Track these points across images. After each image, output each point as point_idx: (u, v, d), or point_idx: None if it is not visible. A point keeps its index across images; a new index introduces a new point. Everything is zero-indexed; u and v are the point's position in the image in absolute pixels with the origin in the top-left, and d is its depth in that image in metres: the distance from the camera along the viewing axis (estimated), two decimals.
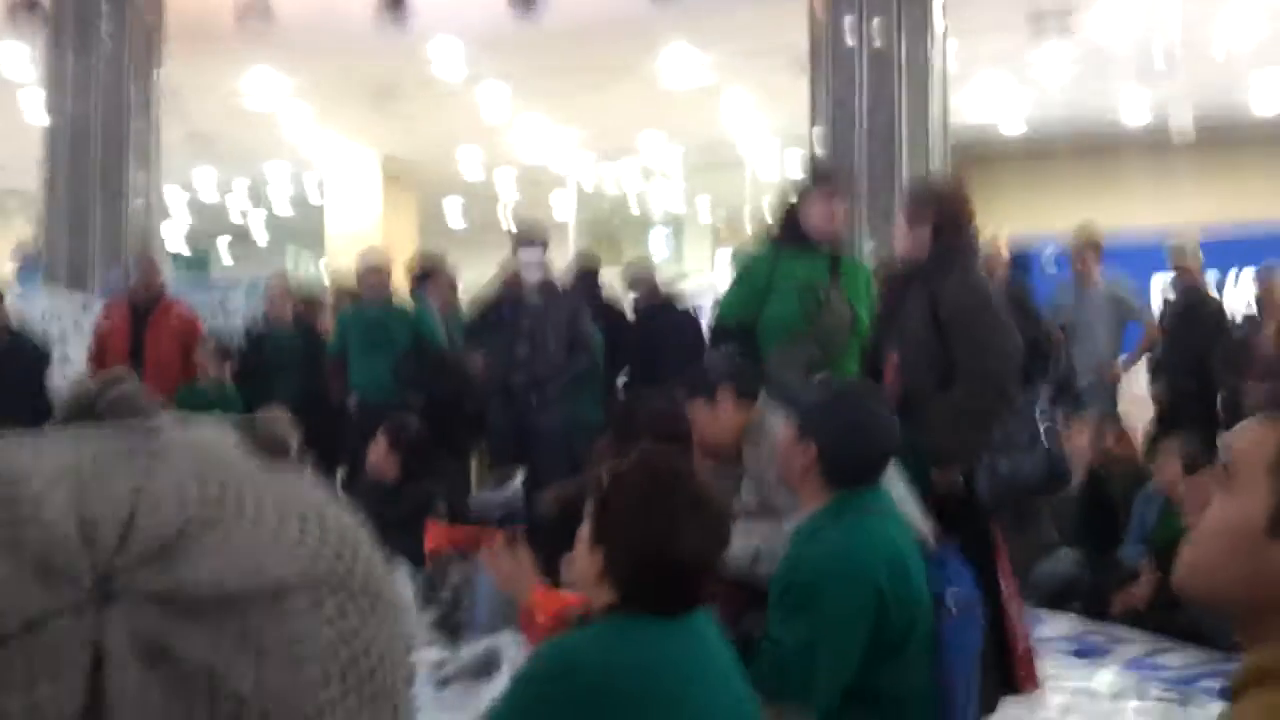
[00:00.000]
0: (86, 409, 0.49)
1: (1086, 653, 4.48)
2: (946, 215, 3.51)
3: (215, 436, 0.49)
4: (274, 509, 0.46)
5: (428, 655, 3.19)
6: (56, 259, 8.09)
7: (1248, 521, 1.09)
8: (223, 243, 17.38)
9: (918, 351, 3.41)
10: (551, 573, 2.38)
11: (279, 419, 0.53)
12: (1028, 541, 5.47)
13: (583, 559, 1.77)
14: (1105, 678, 4.14)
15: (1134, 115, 11.31)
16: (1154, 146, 11.23)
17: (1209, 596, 1.16)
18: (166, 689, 0.42)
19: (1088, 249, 6.59)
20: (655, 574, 1.72)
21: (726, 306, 4.05)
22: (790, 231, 3.93)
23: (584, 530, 1.80)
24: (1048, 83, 10.33)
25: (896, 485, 2.79)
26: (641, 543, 1.71)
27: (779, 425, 2.71)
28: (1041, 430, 3.42)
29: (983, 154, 11.40)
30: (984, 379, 3.29)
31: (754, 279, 3.94)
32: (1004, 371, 3.31)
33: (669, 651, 1.69)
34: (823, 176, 4.52)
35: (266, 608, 0.44)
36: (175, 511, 0.44)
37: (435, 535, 2.97)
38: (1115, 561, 5.31)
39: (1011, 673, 2.98)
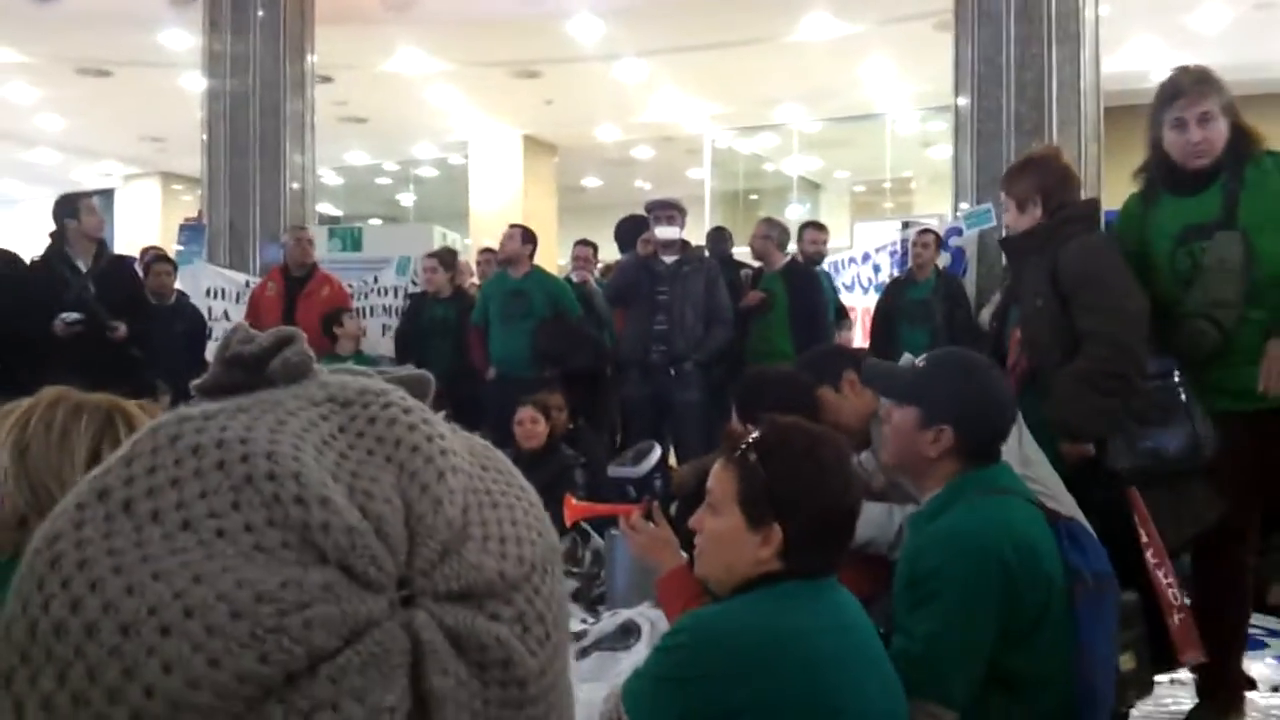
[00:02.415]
0: (255, 365, 0.50)
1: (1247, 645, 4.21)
2: (1052, 183, 3.35)
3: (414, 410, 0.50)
4: (501, 489, 0.50)
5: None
6: (217, 235, 8.42)
7: None
8: (373, 221, 17.88)
9: (1039, 325, 3.25)
10: (688, 546, 2.33)
11: (423, 377, 0.54)
12: (1180, 523, 5.18)
13: (739, 542, 1.77)
14: (1261, 670, 3.88)
15: None
16: None
17: None
18: (476, 679, 0.45)
19: None
20: (833, 531, 1.78)
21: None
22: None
23: (728, 515, 1.79)
24: (1206, 32, 9.71)
25: (1028, 451, 2.66)
26: (822, 507, 1.75)
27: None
28: (1183, 398, 3.19)
29: (1137, 109, 10.80)
30: (1110, 345, 3.11)
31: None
32: (1129, 337, 3.11)
33: (828, 610, 1.74)
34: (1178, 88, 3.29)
35: (527, 589, 0.48)
36: (448, 508, 0.46)
37: (573, 510, 2.95)
38: (1275, 547, 4.97)
39: (1168, 643, 2.79)
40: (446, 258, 7.23)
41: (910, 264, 6.55)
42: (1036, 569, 2.15)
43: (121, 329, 5.47)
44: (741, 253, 7.38)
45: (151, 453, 0.47)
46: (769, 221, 6.48)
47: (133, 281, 5.98)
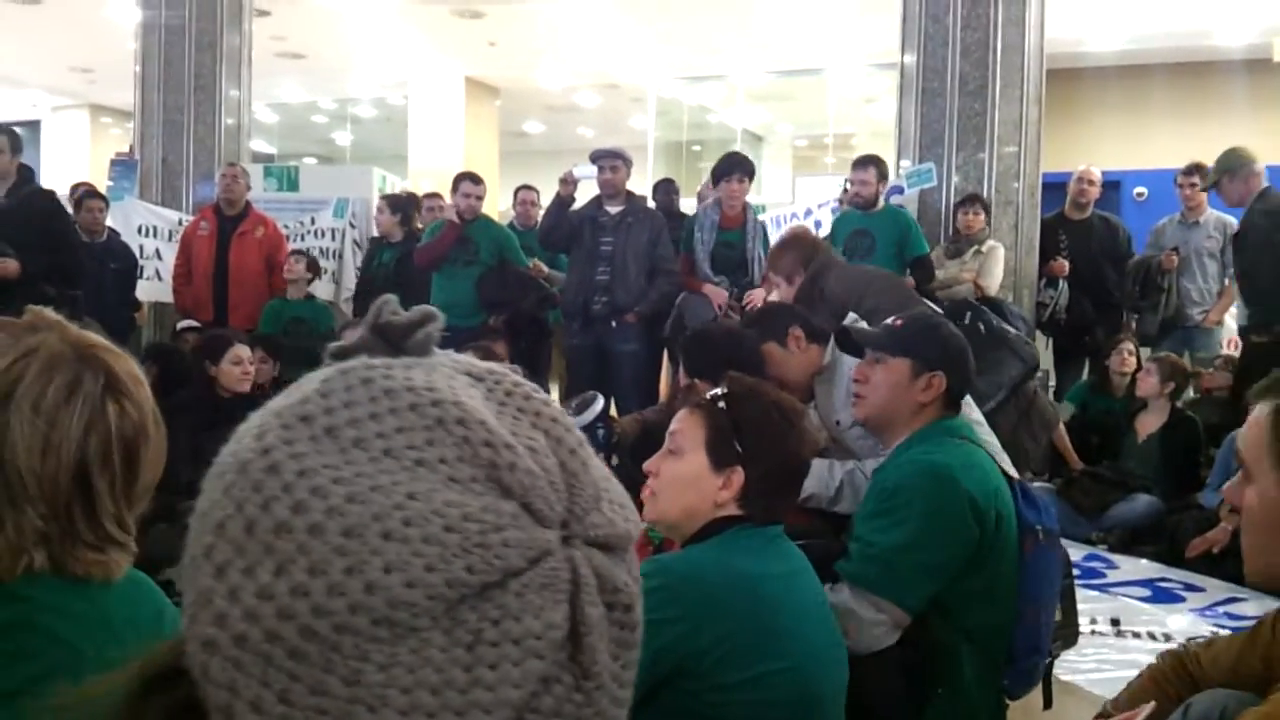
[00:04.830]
0: (400, 335, 0.55)
1: (1160, 597, 4.37)
2: (810, 254, 3.92)
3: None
4: (604, 470, 0.56)
5: None
6: (149, 171, 8.20)
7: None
8: (309, 161, 17.51)
9: None
10: (633, 494, 2.37)
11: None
12: (1105, 483, 5.36)
13: (701, 484, 1.85)
14: (1179, 623, 4.04)
15: (1234, 35, 10.74)
16: (1254, 68, 10.67)
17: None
18: (612, 619, 0.52)
19: (1199, 176, 6.34)
20: (788, 484, 1.89)
21: None
22: None
23: (693, 458, 1.87)
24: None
25: (973, 414, 2.77)
26: (783, 456, 1.85)
27: (851, 367, 2.74)
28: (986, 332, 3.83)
29: (1075, 75, 10.93)
30: None
31: None
32: None
33: (778, 556, 1.83)
34: None
35: (633, 551, 0.55)
36: (592, 470, 0.54)
37: None
38: (1194, 505, 5.15)
39: None
40: (398, 200, 7.15)
41: (845, 199, 6.40)
42: (996, 510, 2.26)
43: (11, 264, 5.00)
44: (689, 205, 7.37)
45: (345, 389, 0.52)
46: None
47: (55, 216, 5.53)
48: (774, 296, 4.10)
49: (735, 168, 5.94)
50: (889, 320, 2.60)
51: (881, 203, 6.12)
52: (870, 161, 6.12)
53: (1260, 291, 5.42)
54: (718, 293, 5.77)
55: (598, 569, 0.51)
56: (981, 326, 3.87)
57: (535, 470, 0.51)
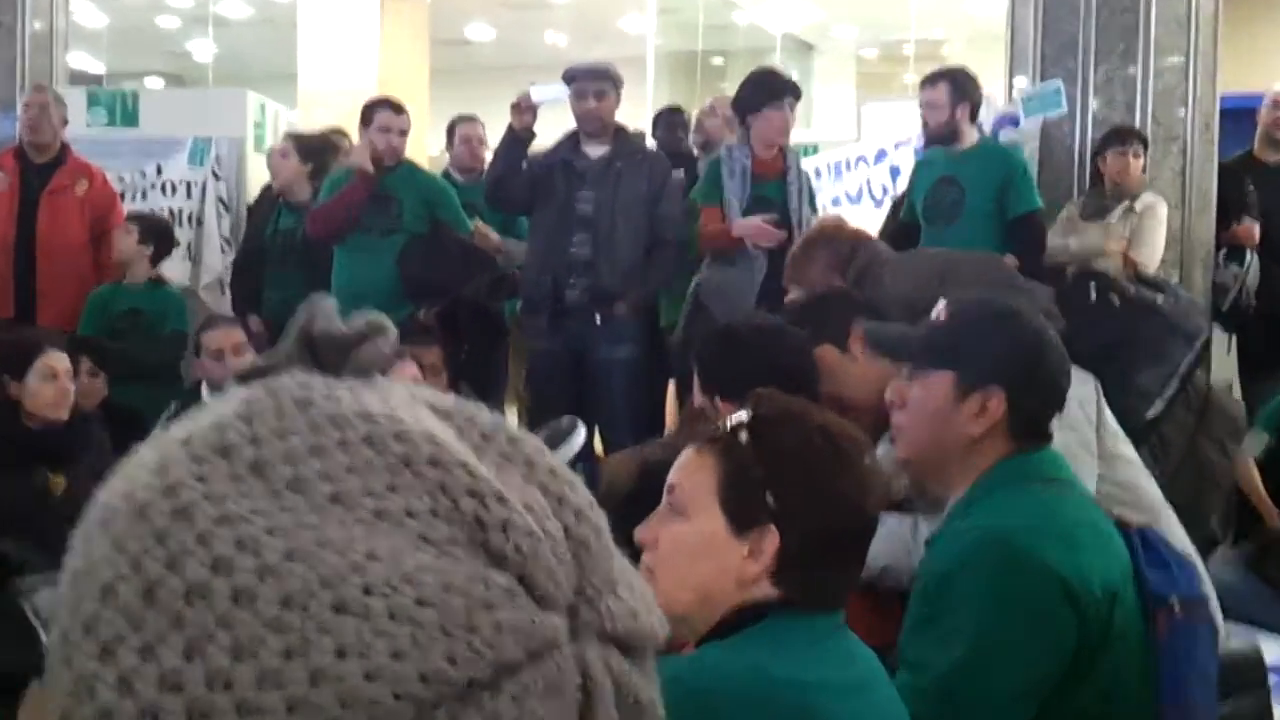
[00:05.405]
0: (332, 353, 0.58)
1: None
2: (846, 254, 3.98)
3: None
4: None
5: None
6: None
7: None
8: (154, 84, 17.50)
9: None
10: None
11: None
12: None
13: (718, 554, 1.83)
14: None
15: None
16: None
17: None
18: None
19: None
20: (844, 551, 1.87)
21: None
22: None
23: (703, 518, 1.85)
24: None
25: (1110, 444, 2.76)
26: (835, 508, 1.83)
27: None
28: None
29: None
30: None
31: None
32: None
33: (837, 660, 1.82)
34: None
35: (652, 648, 0.59)
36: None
37: None
38: None
39: None
40: (310, 144, 7.15)
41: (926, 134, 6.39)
42: (1106, 590, 2.24)
43: None
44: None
45: (276, 415, 0.54)
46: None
47: None
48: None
49: (776, 92, 5.95)
50: (936, 312, 2.59)
51: (973, 136, 6.10)
52: (942, 78, 6.10)
53: None
54: (764, 230, 5.71)
55: (616, 675, 0.53)
56: (1115, 298, 3.84)
57: (536, 532, 0.52)
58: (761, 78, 6.10)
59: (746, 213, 5.85)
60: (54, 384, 4.60)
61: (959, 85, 6.03)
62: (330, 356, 0.57)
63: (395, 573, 0.49)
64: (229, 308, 7.00)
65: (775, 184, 5.98)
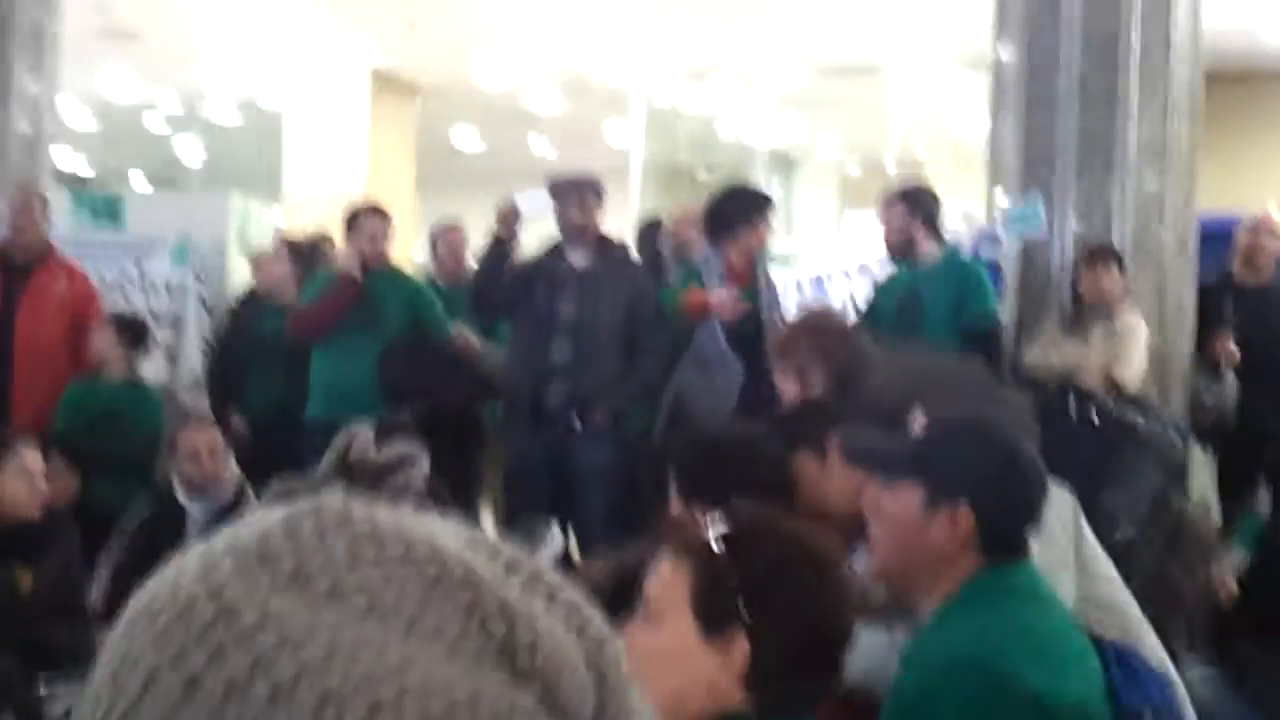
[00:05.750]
0: (366, 478, 0.84)
1: None
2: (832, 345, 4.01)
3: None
4: None
5: None
6: None
7: None
8: (138, 179, 17.59)
9: None
10: None
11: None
12: None
13: (690, 661, 1.83)
14: None
15: None
16: None
17: None
18: None
19: None
20: (818, 658, 1.90)
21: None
22: None
23: (674, 625, 1.85)
24: None
25: (1091, 563, 2.75)
26: (809, 618, 1.87)
27: None
28: None
29: (1244, 81, 11.13)
30: None
31: None
32: None
33: None
34: None
35: None
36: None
37: None
38: None
39: None
40: (299, 249, 7.20)
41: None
42: (1076, 700, 2.23)
43: None
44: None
45: (317, 530, 0.57)
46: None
47: None
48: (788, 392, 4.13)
49: (753, 208, 6.02)
50: (913, 422, 2.61)
51: (934, 251, 6.16)
52: (901, 198, 6.27)
53: None
54: (725, 302, 5.79)
55: None
56: (1094, 416, 3.85)
57: (560, 656, 0.55)
58: (735, 196, 6.21)
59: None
60: (24, 482, 4.57)
61: (915, 202, 6.23)
62: (364, 480, 0.62)
63: (428, 680, 0.51)
64: (208, 408, 6.98)
65: (748, 291, 6.05)
